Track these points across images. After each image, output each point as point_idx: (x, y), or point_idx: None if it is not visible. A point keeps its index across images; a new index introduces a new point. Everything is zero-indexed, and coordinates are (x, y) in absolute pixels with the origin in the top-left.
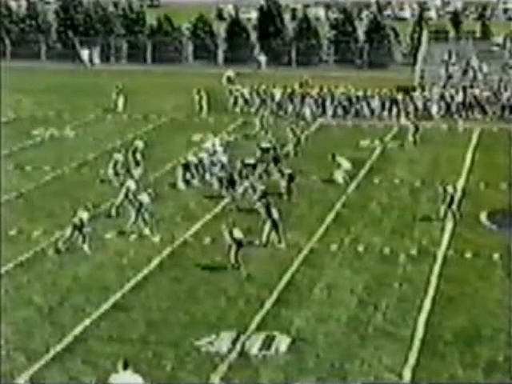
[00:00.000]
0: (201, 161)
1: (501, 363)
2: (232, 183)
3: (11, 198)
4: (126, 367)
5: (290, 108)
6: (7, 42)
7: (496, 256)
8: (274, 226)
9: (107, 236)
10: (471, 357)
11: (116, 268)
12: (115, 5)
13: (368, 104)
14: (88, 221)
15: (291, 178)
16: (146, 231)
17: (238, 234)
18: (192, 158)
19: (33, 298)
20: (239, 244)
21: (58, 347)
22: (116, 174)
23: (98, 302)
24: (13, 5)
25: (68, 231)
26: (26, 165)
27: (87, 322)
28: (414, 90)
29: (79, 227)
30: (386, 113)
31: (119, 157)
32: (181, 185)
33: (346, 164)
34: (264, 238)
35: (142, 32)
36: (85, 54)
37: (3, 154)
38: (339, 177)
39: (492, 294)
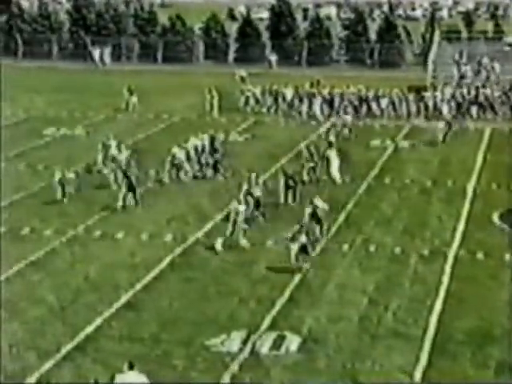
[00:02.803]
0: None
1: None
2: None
3: (23, 197)
4: (131, 367)
5: (302, 108)
6: (19, 41)
7: (508, 256)
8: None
9: (119, 235)
10: (482, 357)
11: (127, 267)
12: (127, 4)
13: (378, 104)
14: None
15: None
16: (244, 242)
17: (303, 239)
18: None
19: (44, 297)
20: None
21: (70, 346)
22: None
23: (110, 301)
24: (25, 4)
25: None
26: (38, 164)
27: (99, 321)
28: (425, 89)
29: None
30: (397, 112)
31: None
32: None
33: (335, 160)
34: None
35: (153, 32)
36: (96, 53)
37: (14, 154)
38: (335, 173)
39: (503, 295)
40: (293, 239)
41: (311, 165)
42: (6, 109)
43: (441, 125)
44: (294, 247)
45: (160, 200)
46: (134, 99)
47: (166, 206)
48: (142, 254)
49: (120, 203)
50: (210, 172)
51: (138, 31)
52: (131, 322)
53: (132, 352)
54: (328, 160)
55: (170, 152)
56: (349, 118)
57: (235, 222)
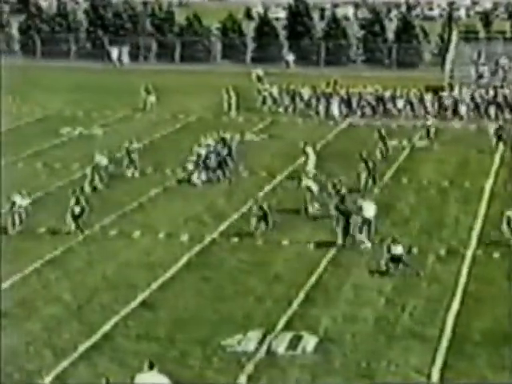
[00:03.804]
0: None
1: None
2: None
3: (40, 196)
4: (151, 367)
5: (319, 107)
6: (37, 40)
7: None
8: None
9: (135, 234)
10: (499, 358)
11: (144, 266)
12: (144, 4)
13: (394, 104)
14: None
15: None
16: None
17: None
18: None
19: (61, 296)
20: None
21: (86, 345)
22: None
23: (126, 300)
24: (43, 4)
25: None
26: (55, 163)
27: (115, 320)
28: (443, 89)
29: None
30: (415, 112)
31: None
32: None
33: (312, 156)
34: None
35: (171, 31)
36: (114, 53)
37: (31, 153)
38: (310, 168)
39: None
40: None
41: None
42: (24, 108)
43: (457, 125)
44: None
45: (176, 199)
46: (152, 99)
47: (182, 206)
48: (159, 253)
49: None
50: (217, 174)
51: (155, 31)
52: (147, 321)
53: (148, 351)
54: (307, 156)
55: (191, 151)
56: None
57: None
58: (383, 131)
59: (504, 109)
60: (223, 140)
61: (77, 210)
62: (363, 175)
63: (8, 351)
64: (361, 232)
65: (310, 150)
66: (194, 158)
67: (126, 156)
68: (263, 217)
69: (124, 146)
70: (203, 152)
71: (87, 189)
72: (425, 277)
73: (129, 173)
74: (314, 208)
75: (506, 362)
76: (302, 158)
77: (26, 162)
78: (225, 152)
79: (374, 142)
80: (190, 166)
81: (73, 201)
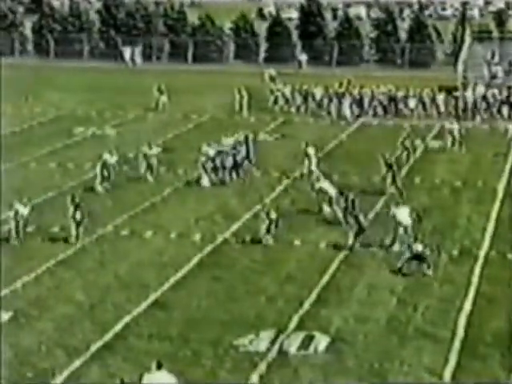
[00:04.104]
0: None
1: None
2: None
3: (53, 196)
4: (159, 367)
5: (331, 107)
6: (51, 41)
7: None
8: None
9: (147, 234)
10: None
11: (156, 266)
12: (157, 4)
13: (406, 104)
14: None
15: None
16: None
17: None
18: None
19: (74, 295)
20: None
21: (99, 344)
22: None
23: (138, 299)
24: (56, 4)
25: None
26: (68, 162)
27: (127, 319)
28: (456, 89)
29: None
30: (427, 112)
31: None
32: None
33: (314, 157)
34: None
35: (183, 31)
36: (127, 53)
37: (45, 153)
38: (314, 168)
39: None
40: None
41: (390, 174)
42: (37, 108)
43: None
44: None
45: (188, 199)
46: (164, 98)
47: (194, 205)
48: (171, 252)
49: None
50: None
51: (168, 31)
52: (160, 320)
53: (160, 351)
54: (308, 157)
55: (201, 152)
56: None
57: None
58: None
59: None
60: (246, 138)
61: (77, 216)
62: (388, 180)
63: (21, 351)
64: (393, 243)
65: (311, 150)
66: (203, 158)
67: (143, 161)
68: (272, 223)
69: (142, 150)
70: (212, 152)
71: (99, 188)
72: (437, 277)
73: (149, 177)
74: (326, 210)
75: None
76: (306, 160)
77: (40, 162)
78: (243, 152)
79: (387, 142)
80: (200, 168)
81: (72, 208)
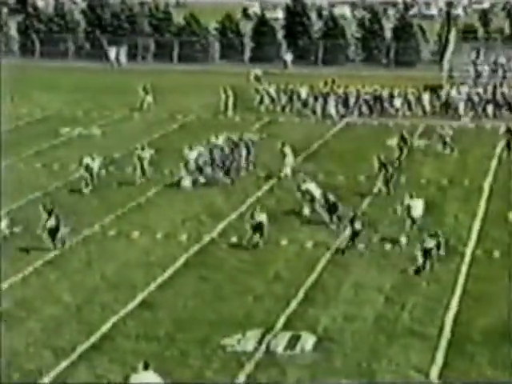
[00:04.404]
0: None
1: None
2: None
3: (39, 196)
4: (146, 367)
5: (317, 107)
6: (36, 41)
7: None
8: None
9: (134, 234)
10: (499, 356)
11: (143, 266)
12: (142, 4)
13: (392, 103)
14: None
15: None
16: None
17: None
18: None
19: (60, 296)
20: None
21: (86, 345)
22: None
23: (125, 300)
24: (40, 4)
25: None
26: (54, 163)
27: (114, 319)
28: (441, 88)
29: None
30: (413, 111)
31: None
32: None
33: (290, 157)
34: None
35: (168, 31)
36: (112, 53)
37: (31, 153)
38: (288, 169)
39: None
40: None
41: (385, 174)
42: (23, 108)
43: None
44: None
45: (175, 199)
46: (150, 99)
47: (180, 206)
48: (158, 253)
49: None
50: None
51: (153, 31)
52: (147, 321)
53: (148, 351)
54: (284, 156)
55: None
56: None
57: None
58: (405, 134)
59: (502, 107)
60: (244, 140)
61: (50, 224)
62: (381, 179)
63: (8, 351)
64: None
65: (288, 150)
66: (185, 161)
67: (137, 163)
68: (258, 227)
69: (135, 152)
70: (193, 155)
71: (85, 190)
72: (424, 275)
73: (138, 180)
74: (305, 212)
75: (506, 361)
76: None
77: (26, 163)
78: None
79: (372, 141)
80: (183, 171)
81: (44, 215)
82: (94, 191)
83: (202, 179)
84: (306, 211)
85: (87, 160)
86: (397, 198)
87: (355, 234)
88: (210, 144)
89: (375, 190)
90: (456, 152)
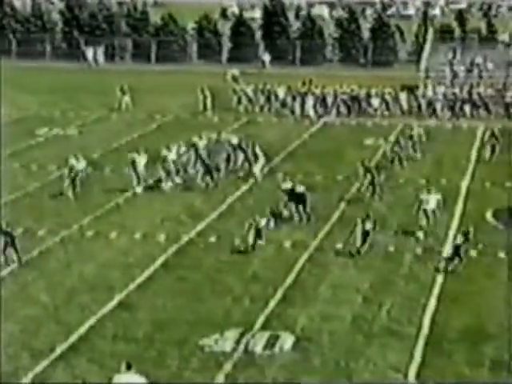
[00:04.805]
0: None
1: (507, 362)
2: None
3: (17, 197)
4: (129, 368)
5: (295, 107)
6: (13, 41)
7: (502, 254)
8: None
9: (112, 235)
10: (477, 355)
11: (121, 267)
12: (119, 4)
13: (369, 103)
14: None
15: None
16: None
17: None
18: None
19: (38, 297)
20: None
21: (64, 346)
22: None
23: (104, 301)
24: (17, 4)
25: None
26: (31, 164)
27: (93, 321)
28: (418, 88)
29: None
30: (390, 111)
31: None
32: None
33: (262, 158)
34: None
35: (146, 31)
36: (89, 53)
37: (8, 154)
38: (257, 170)
39: (498, 293)
40: None
41: (368, 179)
42: None
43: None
44: None
45: (153, 200)
46: (127, 99)
47: (159, 206)
48: (136, 253)
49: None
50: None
51: (130, 31)
52: (125, 321)
53: (126, 352)
54: (256, 157)
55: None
56: None
57: None
58: (496, 130)
59: (479, 107)
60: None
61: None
62: (365, 183)
63: None
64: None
65: (259, 151)
66: (163, 161)
67: (131, 169)
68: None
69: (130, 157)
70: (171, 156)
71: (69, 194)
72: (402, 275)
73: (137, 189)
74: (287, 212)
75: (484, 360)
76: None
77: (4, 163)
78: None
79: (350, 141)
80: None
81: None
82: (74, 193)
83: (179, 180)
84: (286, 212)
85: (72, 161)
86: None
87: (367, 234)
88: (191, 144)
89: (357, 189)
90: (426, 155)
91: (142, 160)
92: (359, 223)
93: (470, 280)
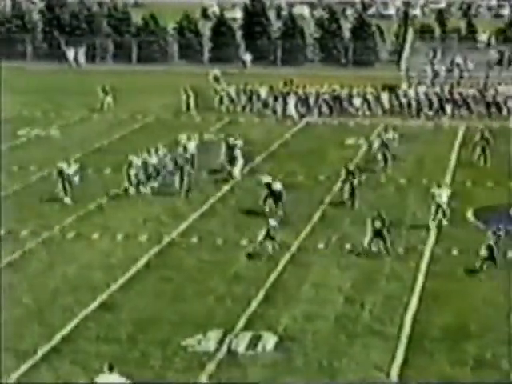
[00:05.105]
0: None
1: (488, 360)
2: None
3: None
4: (111, 369)
5: (276, 107)
6: None
7: (483, 253)
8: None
9: (94, 236)
10: (459, 354)
11: (103, 268)
12: (100, 4)
13: (351, 102)
14: None
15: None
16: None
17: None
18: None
19: (21, 299)
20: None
21: (47, 347)
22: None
23: (86, 302)
24: None
25: None
26: (13, 165)
27: (75, 322)
28: (399, 88)
29: None
30: (372, 111)
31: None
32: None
33: (240, 160)
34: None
35: (127, 31)
36: (70, 53)
37: None
38: (236, 171)
39: (479, 291)
40: None
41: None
42: None
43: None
44: None
45: (135, 200)
46: (109, 99)
47: (141, 207)
48: (118, 254)
49: None
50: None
51: (111, 31)
52: (108, 322)
53: (109, 353)
54: (234, 159)
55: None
56: None
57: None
58: (486, 133)
59: (460, 106)
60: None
61: None
62: (346, 187)
63: None
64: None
65: (238, 153)
66: (129, 167)
67: (125, 174)
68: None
69: (129, 160)
70: (138, 162)
71: (66, 200)
72: (384, 274)
73: (131, 191)
74: (267, 207)
75: (466, 358)
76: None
77: None
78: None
79: (332, 141)
80: (140, 175)
81: None
82: (52, 192)
83: (155, 184)
84: (267, 208)
85: (62, 165)
86: (359, 198)
87: (377, 233)
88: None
89: (337, 188)
90: (407, 155)
91: (139, 162)
92: (369, 222)
93: (451, 278)
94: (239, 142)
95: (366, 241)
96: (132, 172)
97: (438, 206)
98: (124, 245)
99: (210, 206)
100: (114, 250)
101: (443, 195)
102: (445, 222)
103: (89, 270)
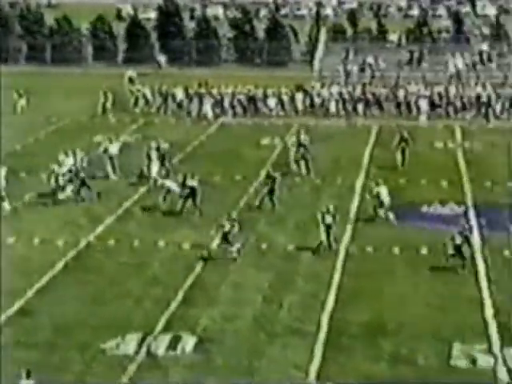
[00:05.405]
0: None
1: (404, 356)
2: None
3: None
4: (29, 376)
5: (192, 108)
6: None
7: (396, 249)
8: None
9: (10, 240)
10: (375, 350)
11: (20, 273)
12: (11, 5)
13: (266, 103)
14: None
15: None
16: None
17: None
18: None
19: None
20: None
21: None
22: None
23: (3, 307)
24: None
25: None
26: None
27: None
28: (312, 88)
29: None
30: (286, 111)
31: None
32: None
33: (156, 161)
34: None
35: (40, 33)
36: None
37: None
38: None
39: (394, 288)
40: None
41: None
42: None
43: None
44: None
45: (51, 204)
46: (23, 102)
47: (57, 210)
48: (35, 258)
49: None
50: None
51: (24, 32)
52: (26, 328)
53: (28, 359)
54: (149, 160)
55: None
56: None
57: None
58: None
59: (372, 106)
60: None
61: None
62: (264, 189)
63: None
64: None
65: (154, 154)
66: (64, 174)
67: (107, 159)
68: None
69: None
70: (63, 170)
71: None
72: (301, 273)
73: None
74: (165, 205)
75: (382, 354)
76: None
77: None
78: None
79: (247, 141)
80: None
81: None
82: None
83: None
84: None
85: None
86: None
87: (329, 227)
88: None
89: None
90: (321, 154)
91: (114, 151)
92: (319, 218)
93: (367, 276)
94: (166, 145)
95: (322, 236)
96: (54, 176)
97: (382, 204)
98: (41, 249)
99: (126, 209)
100: (30, 255)
101: (384, 192)
102: (391, 216)
103: (5, 275)
